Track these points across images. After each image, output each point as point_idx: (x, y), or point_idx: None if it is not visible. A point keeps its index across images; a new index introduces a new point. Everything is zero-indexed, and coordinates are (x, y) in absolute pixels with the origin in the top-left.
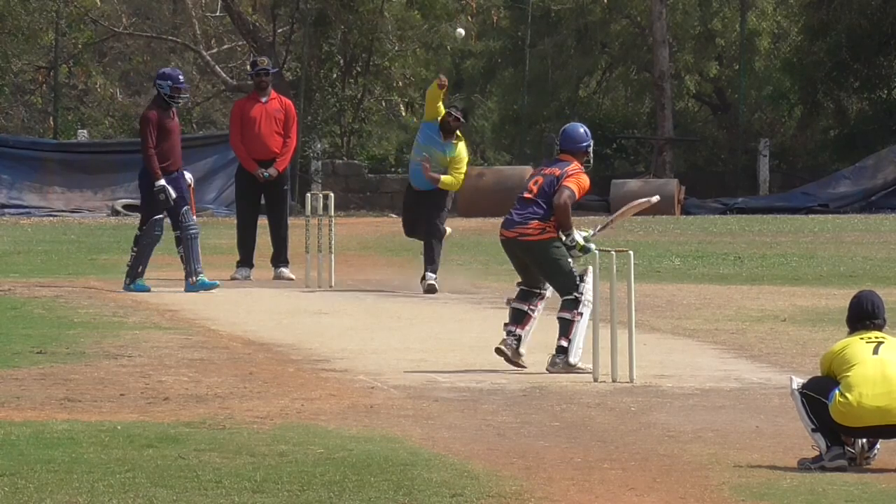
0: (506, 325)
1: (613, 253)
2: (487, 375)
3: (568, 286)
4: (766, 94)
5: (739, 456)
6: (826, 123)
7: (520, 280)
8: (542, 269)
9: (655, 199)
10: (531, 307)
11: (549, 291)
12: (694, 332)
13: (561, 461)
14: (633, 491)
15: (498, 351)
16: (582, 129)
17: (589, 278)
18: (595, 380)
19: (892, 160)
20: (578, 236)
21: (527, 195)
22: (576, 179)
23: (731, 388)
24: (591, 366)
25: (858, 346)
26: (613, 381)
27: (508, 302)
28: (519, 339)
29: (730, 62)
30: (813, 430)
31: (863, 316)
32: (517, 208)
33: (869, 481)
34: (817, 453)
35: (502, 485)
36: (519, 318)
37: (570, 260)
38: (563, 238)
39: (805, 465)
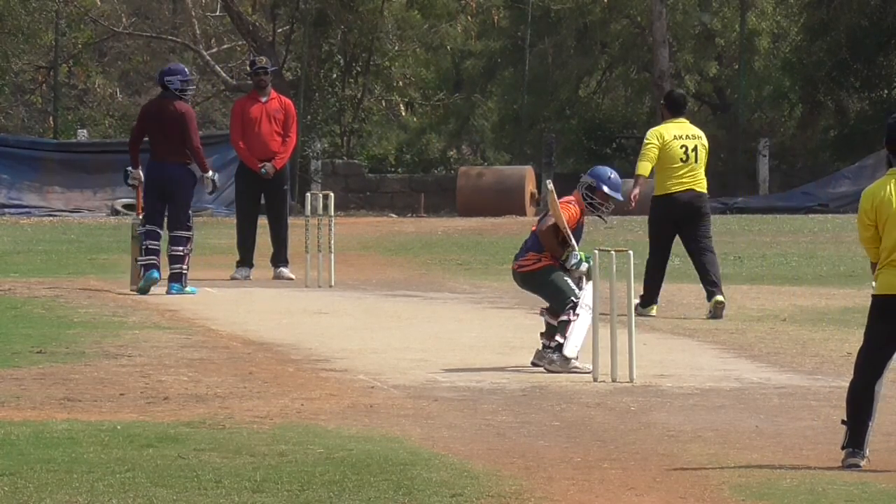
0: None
1: (613, 253)
2: (487, 375)
3: (565, 302)
4: (767, 93)
5: (739, 456)
6: (826, 123)
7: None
8: (540, 293)
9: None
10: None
11: (581, 298)
12: (694, 332)
13: (561, 461)
14: (633, 491)
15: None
16: (601, 172)
17: (588, 286)
18: (595, 380)
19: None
20: (574, 259)
21: (533, 228)
22: (556, 205)
23: (731, 387)
24: (590, 365)
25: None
26: (613, 380)
27: (542, 313)
28: (560, 345)
29: (730, 62)
30: (842, 422)
31: None
32: (526, 240)
33: (869, 481)
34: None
35: (502, 485)
36: (552, 332)
37: (566, 278)
38: (564, 264)
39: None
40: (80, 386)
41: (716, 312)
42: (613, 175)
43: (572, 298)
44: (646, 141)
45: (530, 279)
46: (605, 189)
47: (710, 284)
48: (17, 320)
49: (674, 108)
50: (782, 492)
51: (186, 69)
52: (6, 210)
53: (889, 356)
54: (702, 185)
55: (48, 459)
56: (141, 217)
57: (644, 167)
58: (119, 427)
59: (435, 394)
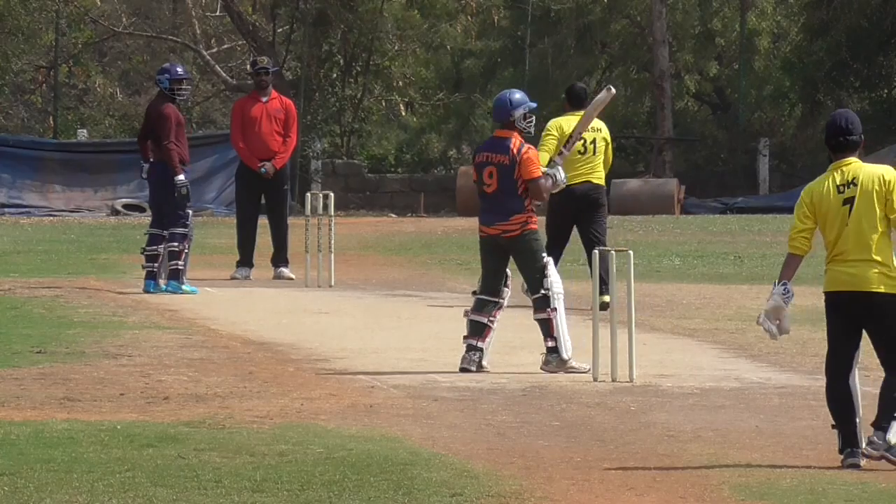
0: (465, 338)
1: (613, 252)
2: (487, 375)
3: (537, 282)
4: (767, 93)
5: (739, 456)
6: (826, 123)
7: (476, 289)
8: (519, 259)
9: (612, 91)
10: (490, 319)
11: (506, 300)
12: (694, 332)
13: (561, 461)
14: (633, 491)
15: (463, 370)
16: (509, 96)
17: (552, 269)
18: (595, 379)
19: (892, 160)
20: (561, 175)
21: (490, 190)
22: (531, 162)
23: (730, 387)
24: (587, 365)
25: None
26: (613, 380)
27: (466, 314)
28: (482, 351)
29: (730, 62)
30: (832, 426)
31: (837, 132)
32: (490, 204)
33: (869, 481)
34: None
35: (502, 484)
36: (479, 330)
37: (543, 254)
38: (557, 181)
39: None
40: (80, 386)
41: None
42: (519, 92)
43: (543, 291)
44: (545, 133)
45: (518, 242)
46: (531, 104)
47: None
48: (17, 320)
49: (575, 101)
50: (782, 492)
51: (180, 68)
52: (6, 210)
53: (853, 350)
54: (599, 177)
55: (48, 459)
56: None
57: (542, 157)
58: (119, 427)
59: (435, 394)
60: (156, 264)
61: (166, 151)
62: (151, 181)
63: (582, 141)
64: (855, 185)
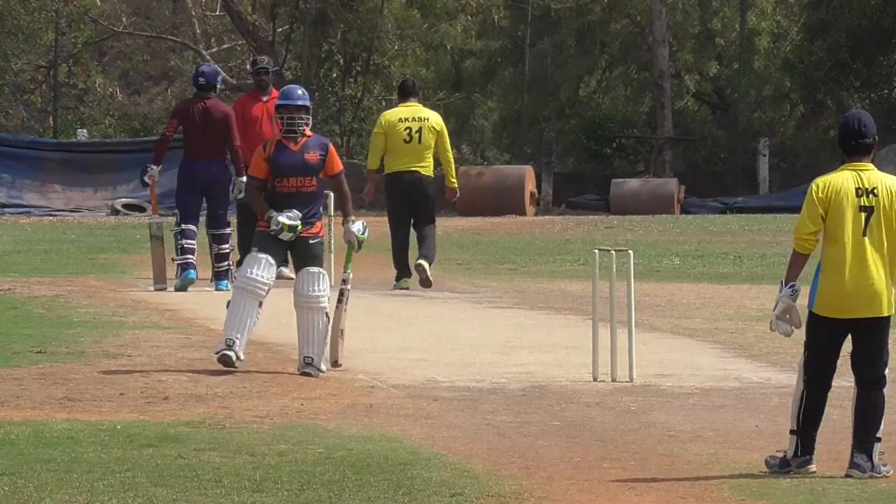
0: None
1: (613, 252)
2: (487, 375)
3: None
4: (767, 93)
5: (739, 455)
6: (826, 123)
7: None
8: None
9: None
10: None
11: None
12: (694, 332)
13: (561, 461)
14: (633, 490)
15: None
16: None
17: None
18: (595, 379)
19: (892, 160)
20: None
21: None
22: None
23: (730, 387)
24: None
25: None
26: (613, 380)
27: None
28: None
29: (729, 61)
30: (791, 431)
31: (851, 135)
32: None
33: (869, 480)
34: (782, 455)
35: (502, 484)
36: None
37: None
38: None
39: (772, 467)
40: (80, 386)
41: (420, 274)
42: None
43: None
44: (374, 131)
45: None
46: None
47: (421, 258)
48: (17, 320)
49: (402, 93)
50: (782, 492)
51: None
52: (6, 209)
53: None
54: (426, 169)
55: (48, 459)
56: (157, 215)
57: (372, 161)
58: (119, 427)
59: (435, 394)
60: (192, 257)
61: (237, 152)
62: (212, 178)
63: (408, 130)
64: (875, 195)
